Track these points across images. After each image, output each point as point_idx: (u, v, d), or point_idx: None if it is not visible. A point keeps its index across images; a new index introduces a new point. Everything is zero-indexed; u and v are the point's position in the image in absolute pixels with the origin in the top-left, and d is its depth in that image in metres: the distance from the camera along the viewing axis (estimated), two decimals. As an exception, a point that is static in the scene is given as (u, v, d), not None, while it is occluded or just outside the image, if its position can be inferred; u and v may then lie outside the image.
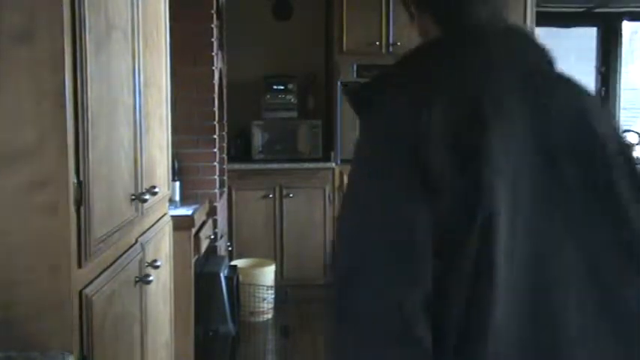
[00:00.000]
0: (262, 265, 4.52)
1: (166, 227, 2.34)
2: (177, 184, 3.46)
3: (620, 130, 1.13)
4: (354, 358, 0.98)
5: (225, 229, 4.54)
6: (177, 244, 2.57)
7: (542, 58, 1.13)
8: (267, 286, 4.38)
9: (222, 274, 3.42)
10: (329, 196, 4.82)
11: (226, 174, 4.54)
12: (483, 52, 1.09)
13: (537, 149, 1.02)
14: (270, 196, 4.87)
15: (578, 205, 1.02)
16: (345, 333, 0.98)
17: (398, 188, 1.00)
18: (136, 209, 1.85)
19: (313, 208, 4.78)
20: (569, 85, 1.12)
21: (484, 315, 0.96)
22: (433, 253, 0.96)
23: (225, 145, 4.45)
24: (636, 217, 1.04)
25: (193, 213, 3.12)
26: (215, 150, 3.77)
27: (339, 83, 4.82)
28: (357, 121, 1.13)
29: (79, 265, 1.38)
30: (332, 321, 0.99)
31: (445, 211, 0.96)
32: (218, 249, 3.92)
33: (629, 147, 1.11)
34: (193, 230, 3.06)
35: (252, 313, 4.34)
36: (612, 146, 1.08)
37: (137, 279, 1.83)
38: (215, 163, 3.78)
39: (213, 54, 3.73)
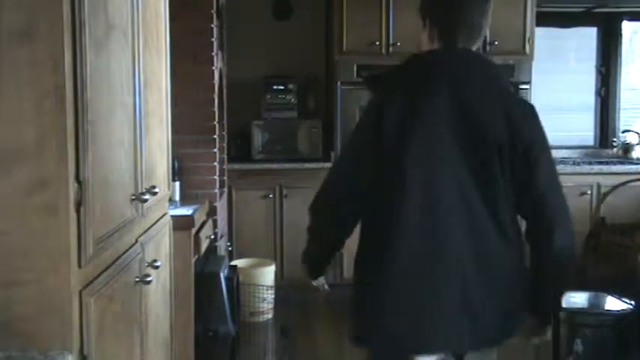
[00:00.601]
0: (262, 265, 4.52)
1: (166, 227, 2.34)
2: (177, 184, 3.46)
3: (520, 130, 1.81)
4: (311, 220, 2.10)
5: (225, 229, 4.54)
6: (177, 244, 2.57)
7: (476, 73, 1.88)
8: (267, 286, 4.38)
9: (222, 274, 3.42)
10: (329, 196, 4.81)
11: (226, 174, 4.54)
12: (435, 69, 1.88)
13: (450, 129, 1.80)
14: (270, 196, 4.87)
15: (463, 155, 1.80)
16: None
17: (360, 138, 1.91)
18: (136, 209, 1.85)
19: (313, 208, 4.78)
20: (486, 92, 1.85)
21: (399, 208, 1.82)
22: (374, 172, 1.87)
23: (225, 145, 4.45)
24: (499, 173, 1.81)
25: (193, 213, 3.12)
26: (215, 150, 3.77)
27: (339, 83, 4.83)
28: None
29: (79, 266, 1.37)
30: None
31: (386, 152, 1.83)
32: (218, 249, 3.92)
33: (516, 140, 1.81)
34: (193, 230, 3.06)
35: (252, 313, 4.34)
36: (494, 136, 1.79)
37: (137, 279, 1.83)
38: (215, 163, 3.78)
39: (213, 54, 3.73)
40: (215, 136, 3.76)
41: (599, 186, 4.98)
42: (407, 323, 1.84)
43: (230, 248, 4.57)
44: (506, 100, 1.84)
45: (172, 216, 2.51)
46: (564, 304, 3.13)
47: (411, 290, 1.83)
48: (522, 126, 1.80)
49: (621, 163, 5.31)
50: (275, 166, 4.88)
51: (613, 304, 3.33)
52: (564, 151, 5.64)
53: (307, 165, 4.86)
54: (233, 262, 4.24)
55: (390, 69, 1.97)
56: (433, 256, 1.81)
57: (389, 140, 1.81)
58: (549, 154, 1.86)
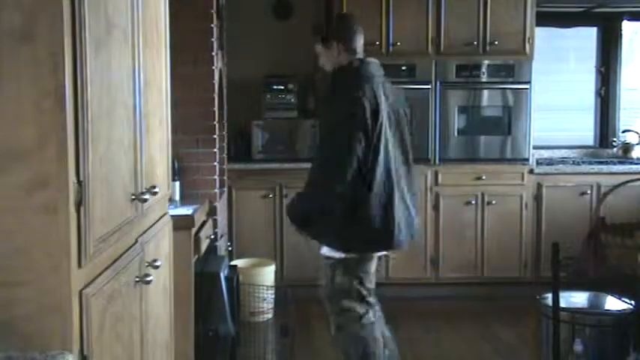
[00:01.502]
0: (262, 265, 4.52)
1: (166, 227, 2.34)
2: (177, 184, 3.46)
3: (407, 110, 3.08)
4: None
5: (225, 229, 4.54)
6: (177, 244, 2.57)
7: (382, 73, 3.01)
8: (267, 286, 4.38)
9: (222, 274, 3.42)
10: (329, 196, 4.81)
11: (226, 174, 4.54)
12: (370, 69, 2.99)
13: (389, 114, 2.92)
14: (270, 196, 4.87)
15: (396, 136, 2.98)
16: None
17: (348, 131, 2.89)
18: (136, 209, 1.85)
19: (313, 208, 4.77)
20: (391, 86, 3.03)
21: (374, 174, 2.90)
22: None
23: (225, 145, 4.45)
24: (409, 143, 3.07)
25: (193, 213, 3.12)
26: (215, 150, 3.77)
27: (339, 83, 4.83)
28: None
29: (79, 265, 1.38)
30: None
31: (368, 136, 2.88)
32: (218, 249, 3.92)
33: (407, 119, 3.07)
34: (193, 230, 3.06)
35: (252, 313, 4.34)
36: (406, 114, 3.05)
37: (137, 279, 1.83)
38: (215, 163, 3.78)
39: (213, 54, 3.73)
40: (215, 136, 3.76)
41: (599, 186, 4.98)
42: (376, 235, 2.95)
43: (230, 248, 4.57)
44: (401, 91, 3.04)
45: (172, 216, 2.51)
46: (564, 304, 3.13)
47: (380, 214, 2.91)
48: (410, 108, 3.05)
49: (621, 163, 5.30)
50: (275, 166, 4.88)
51: (613, 304, 3.33)
52: (564, 151, 5.64)
53: (307, 165, 4.83)
54: (233, 262, 4.23)
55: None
56: (390, 191, 2.91)
57: (369, 131, 2.86)
58: None
